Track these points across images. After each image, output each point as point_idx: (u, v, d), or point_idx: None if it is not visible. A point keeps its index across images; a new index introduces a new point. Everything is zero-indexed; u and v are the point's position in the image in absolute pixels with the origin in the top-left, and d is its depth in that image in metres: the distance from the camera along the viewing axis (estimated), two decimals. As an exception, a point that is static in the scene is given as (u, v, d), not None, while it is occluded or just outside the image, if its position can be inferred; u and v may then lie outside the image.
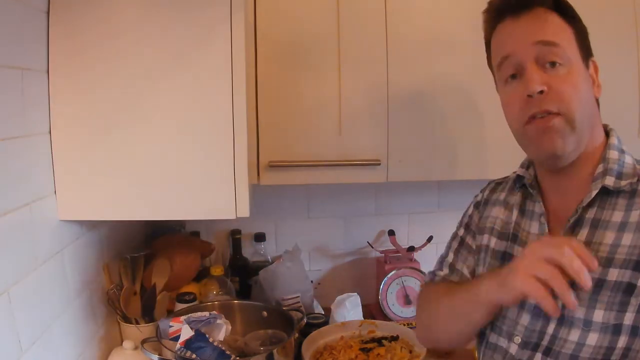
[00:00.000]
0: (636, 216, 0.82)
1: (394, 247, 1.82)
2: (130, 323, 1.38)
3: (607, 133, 0.93)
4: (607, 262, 0.82)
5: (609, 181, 0.86)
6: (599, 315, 0.81)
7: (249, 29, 1.28)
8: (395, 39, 1.44)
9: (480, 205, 1.09)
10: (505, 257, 0.98)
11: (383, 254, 1.84)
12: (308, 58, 1.43)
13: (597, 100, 0.92)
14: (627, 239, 0.81)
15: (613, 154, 0.89)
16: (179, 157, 1.12)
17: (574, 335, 0.83)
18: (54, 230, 1.09)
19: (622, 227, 0.83)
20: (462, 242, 1.10)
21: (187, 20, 1.10)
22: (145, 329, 1.37)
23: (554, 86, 0.85)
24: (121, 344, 1.35)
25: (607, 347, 0.80)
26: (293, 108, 1.43)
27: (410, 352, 1.45)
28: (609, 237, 0.83)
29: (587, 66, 0.90)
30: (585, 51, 0.91)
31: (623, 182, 0.86)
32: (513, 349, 0.91)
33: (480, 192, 1.13)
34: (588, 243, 0.84)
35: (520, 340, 0.90)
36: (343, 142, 1.45)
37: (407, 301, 1.77)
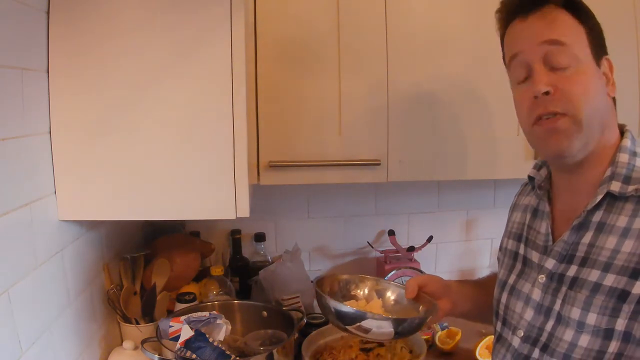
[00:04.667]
0: (631, 222, 0.81)
1: (394, 247, 1.82)
2: (130, 323, 1.38)
3: (623, 134, 0.92)
4: (606, 267, 0.82)
5: (615, 186, 0.84)
6: (592, 318, 0.82)
7: (249, 28, 1.28)
8: (396, 38, 1.44)
9: (510, 210, 1.13)
10: (516, 257, 1.01)
11: (383, 254, 1.84)
12: (308, 58, 1.43)
13: (613, 99, 0.91)
14: (627, 245, 0.80)
15: (623, 157, 0.87)
16: (179, 157, 1.12)
17: (568, 335, 0.85)
18: (54, 230, 1.09)
19: (625, 233, 0.81)
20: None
21: (187, 20, 1.10)
22: (145, 329, 1.37)
23: (560, 87, 0.85)
24: (121, 344, 1.35)
25: (597, 351, 0.81)
26: (293, 108, 1.43)
27: (411, 352, 1.45)
28: (611, 242, 0.82)
29: (599, 65, 0.88)
30: (599, 50, 0.89)
31: (630, 187, 0.83)
32: (516, 342, 0.94)
33: (515, 195, 1.15)
34: (591, 246, 0.85)
35: (522, 334, 0.93)
36: (343, 142, 1.45)
37: (407, 301, 1.77)
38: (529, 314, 0.92)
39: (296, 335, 1.35)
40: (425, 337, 1.53)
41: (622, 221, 0.82)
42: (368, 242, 1.89)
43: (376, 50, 1.44)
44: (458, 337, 1.59)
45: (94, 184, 1.11)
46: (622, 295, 0.79)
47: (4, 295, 0.88)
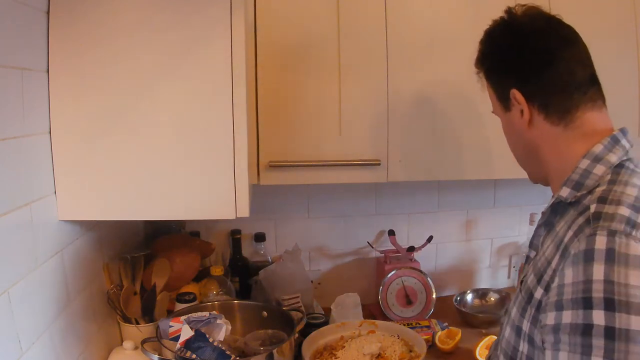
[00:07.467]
0: (561, 229, 0.82)
1: (394, 247, 1.82)
2: (130, 323, 1.38)
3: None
4: (534, 267, 0.85)
5: (563, 192, 0.85)
6: (514, 312, 0.86)
7: (249, 29, 1.28)
8: (396, 39, 1.44)
9: None
10: (527, 260, 1.02)
11: (383, 254, 1.84)
12: (308, 58, 1.43)
13: (548, 126, 0.89)
14: (548, 250, 0.82)
15: (583, 163, 0.85)
16: (179, 157, 1.12)
17: (505, 322, 0.90)
18: (54, 230, 1.09)
19: (554, 236, 0.83)
20: None
21: (187, 21, 1.10)
22: (145, 329, 1.37)
23: None
24: (121, 344, 1.35)
25: (513, 346, 0.86)
26: (293, 108, 1.43)
27: (410, 352, 1.45)
28: (547, 243, 0.85)
29: (508, 108, 0.94)
30: (501, 93, 0.95)
31: (578, 194, 0.83)
32: (504, 320, 0.98)
33: None
34: (540, 247, 0.89)
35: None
36: (343, 142, 1.45)
37: (407, 301, 1.77)
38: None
39: (296, 335, 1.35)
40: (425, 337, 1.53)
41: (559, 226, 0.84)
42: (368, 242, 1.89)
43: (376, 51, 1.44)
44: (458, 337, 1.59)
45: (94, 184, 1.11)
46: (529, 298, 0.82)
47: (4, 295, 0.88)
